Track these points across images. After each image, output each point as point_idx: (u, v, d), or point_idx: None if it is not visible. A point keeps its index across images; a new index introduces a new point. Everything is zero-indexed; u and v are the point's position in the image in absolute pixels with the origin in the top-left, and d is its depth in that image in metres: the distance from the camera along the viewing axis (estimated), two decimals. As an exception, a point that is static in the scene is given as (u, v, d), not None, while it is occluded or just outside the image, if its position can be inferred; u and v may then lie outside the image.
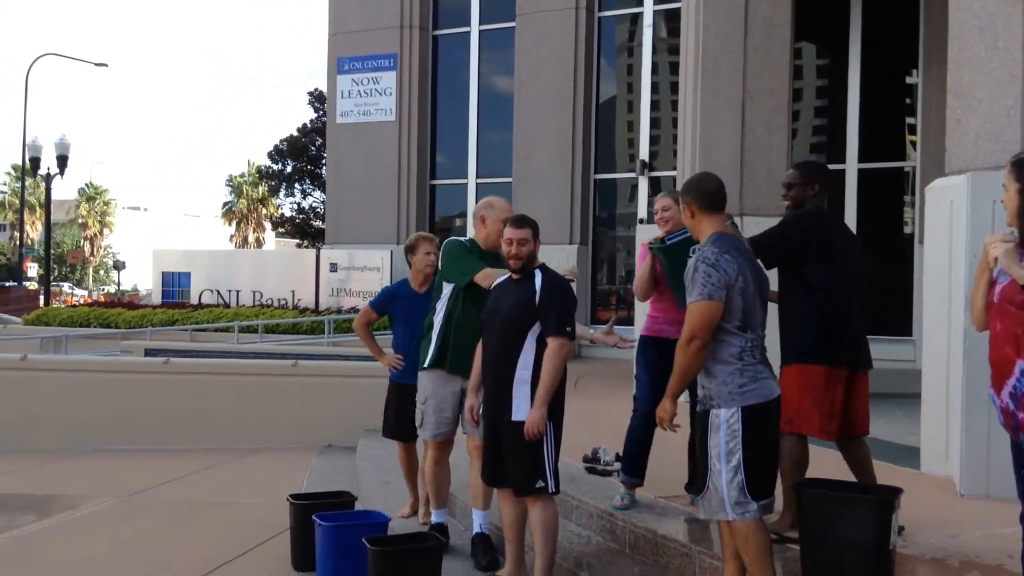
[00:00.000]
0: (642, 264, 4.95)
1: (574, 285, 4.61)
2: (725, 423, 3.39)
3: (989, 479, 4.85)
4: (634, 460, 4.89)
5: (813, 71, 13.65)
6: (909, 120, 12.80)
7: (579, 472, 5.55)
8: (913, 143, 12.61)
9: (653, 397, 4.82)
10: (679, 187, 3.62)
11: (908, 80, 12.87)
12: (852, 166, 12.68)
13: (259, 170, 38.02)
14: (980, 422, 4.89)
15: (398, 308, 5.70)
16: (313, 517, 4.72)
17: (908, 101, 12.84)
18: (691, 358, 3.43)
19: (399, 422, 5.62)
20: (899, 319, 11.85)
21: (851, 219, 12.52)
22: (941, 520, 4.47)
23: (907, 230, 12.85)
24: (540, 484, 4.09)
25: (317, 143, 26.87)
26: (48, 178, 27.03)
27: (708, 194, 3.64)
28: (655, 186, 15.38)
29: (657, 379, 4.85)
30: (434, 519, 5.17)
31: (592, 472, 5.55)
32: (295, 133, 27.79)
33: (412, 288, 5.69)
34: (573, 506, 5.11)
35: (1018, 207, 2.97)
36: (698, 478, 3.57)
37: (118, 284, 53.83)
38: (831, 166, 12.71)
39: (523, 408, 4.10)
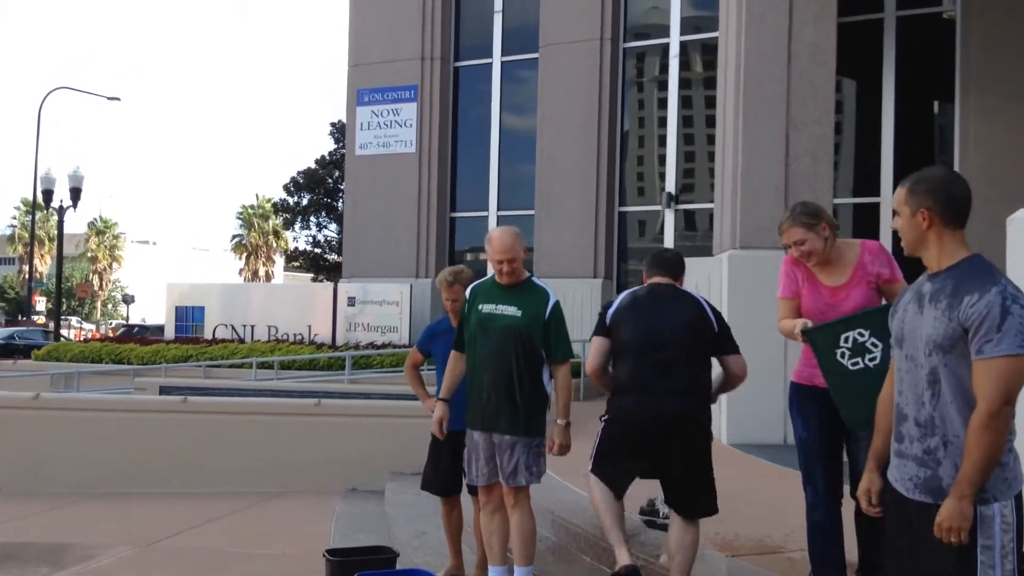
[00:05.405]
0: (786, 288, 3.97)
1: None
2: (999, 515, 2.51)
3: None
4: (832, 561, 3.75)
5: (847, 100, 13.34)
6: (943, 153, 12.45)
7: (639, 526, 5.13)
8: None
9: (825, 468, 3.77)
10: (913, 187, 2.59)
11: (944, 109, 12.54)
12: (887, 199, 12.31)
13: (273, 204, 37.83)
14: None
15: (437, 346, 5.05)
16: (356, 577, 4.32)
17: (944, 130, 12.50)
18: (1002, 434, 2.47)
19: (436, 473, 5.04)
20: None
21: (888, 252, 12.12)
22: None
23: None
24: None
25: (335, 175, 26.63)
26: (61, 211, 26.83)
27: (959, 200, 2.56)
28: (680, 219, 15.04)
29: (827, 442, 3.80)
30: None
31: (652, 526, 5.13)
32: (313, 165, 27.54)
33: (451, 325, 4.98)
34: (639, 565, 4.68)
35: None
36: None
37: (126, 318, 53.53)
38: (865, 199, 12.37)
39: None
